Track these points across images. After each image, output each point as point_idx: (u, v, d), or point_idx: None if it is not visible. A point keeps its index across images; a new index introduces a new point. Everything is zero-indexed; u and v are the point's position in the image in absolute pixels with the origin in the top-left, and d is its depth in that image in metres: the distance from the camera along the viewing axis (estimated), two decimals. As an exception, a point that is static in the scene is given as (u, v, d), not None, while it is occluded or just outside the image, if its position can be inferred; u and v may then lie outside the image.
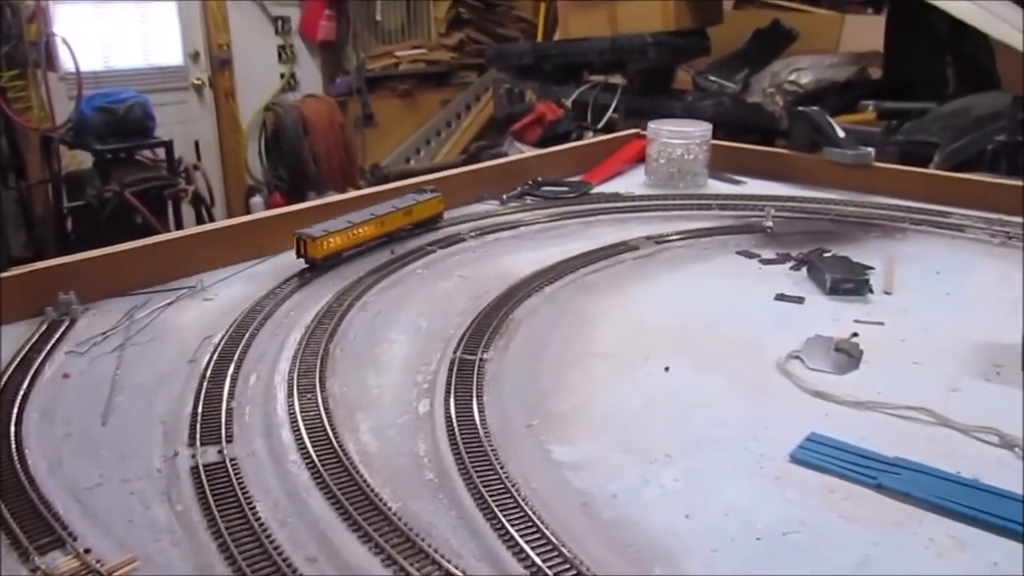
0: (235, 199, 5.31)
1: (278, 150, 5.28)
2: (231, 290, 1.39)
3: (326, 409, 1.01)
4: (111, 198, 3.79)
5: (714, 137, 2.12)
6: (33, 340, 1.18)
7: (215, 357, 1.13)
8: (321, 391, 1.05)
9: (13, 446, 0.93)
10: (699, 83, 3.73)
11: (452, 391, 1.05)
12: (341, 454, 0.92)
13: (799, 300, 1.36)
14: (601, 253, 1.54)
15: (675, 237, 1.64)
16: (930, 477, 0.88)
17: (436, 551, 0.77)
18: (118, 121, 3.94)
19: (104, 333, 1.22)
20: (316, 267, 1.46)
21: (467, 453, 0.92)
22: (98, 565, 0.75)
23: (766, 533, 0.81)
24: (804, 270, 1.47)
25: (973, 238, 1.65)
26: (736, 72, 3.67)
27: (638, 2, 3.68)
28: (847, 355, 1.15)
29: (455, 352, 1.16)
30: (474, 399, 1.03)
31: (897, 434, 0.98)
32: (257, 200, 5.33)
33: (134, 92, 4.12)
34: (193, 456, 0.92)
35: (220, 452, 0.92)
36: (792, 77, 3.56)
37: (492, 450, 0.93)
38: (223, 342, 1.17)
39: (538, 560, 0.76)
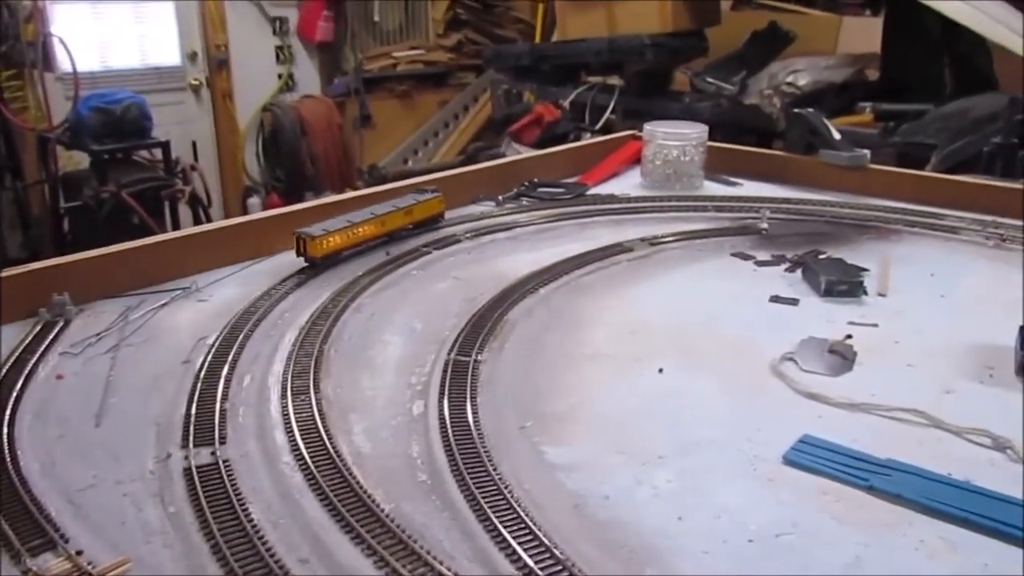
0: (232, 200, 5.31)
1: (276, 151, 5.28)
2: (226, 291, 1.39)
3: (320, 411, 1.01)
4: (108, 199, 3.79)
5: (712, 138, 2.12)
6: (27, 341, 1.18)
7: (209, 358, 1.13)
8: (315, 392, 1.05)
9: (6, 447, 0.93)
10: (697, 84, 3.74)
11: (446, 392, 1.05)
12: (334, 456, 0.92)
13: (793, 302, 1.36)
14: (596, 254, 1.55)
15: (670, 239, 1.65)
16: (922, 479, 0.89)
17: (429, 553, 0.77)
18: (115, 121, 3.94)
19: (98, 334, 1.22)
20: (315, 266, 1.47)
21: (460, 454, 0.92)
22: (90, 567, 0.75)
23: (758, 535, 0.82)
24: (799, 272, 1.47)
25: (967, 240, 1.66)
26: (734, 74, 3.67)
27: (635, 3, 3.68)
28: (841, 357, 1.15)
29: (449, 353, 1.16)
30: (468, 400, 1.03)
31: (890, 436, 0.98)
32: (255, 201, 5.33)
33: (131, 92, 4.12)
34: (186, 458, 0.92)
35: (213, 454, 0.92)
36: (789, 79, 3.56)
37: (485, 451, 0.93)
38: (217, 343, 1.17)
39: (530, 562, 0.76)
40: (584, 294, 1.40)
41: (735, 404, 1.06)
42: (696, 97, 3.64)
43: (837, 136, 2.01)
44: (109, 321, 1.26)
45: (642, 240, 1.63)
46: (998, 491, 0.86)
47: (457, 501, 0.85)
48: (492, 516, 0.82)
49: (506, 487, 0.86)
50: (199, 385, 1.06)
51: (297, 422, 0.98)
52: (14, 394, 1.04)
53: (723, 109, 3.48)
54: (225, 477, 0.88)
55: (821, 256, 1.52)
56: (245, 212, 5.04)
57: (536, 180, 1.98)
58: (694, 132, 2.03)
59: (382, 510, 0.83)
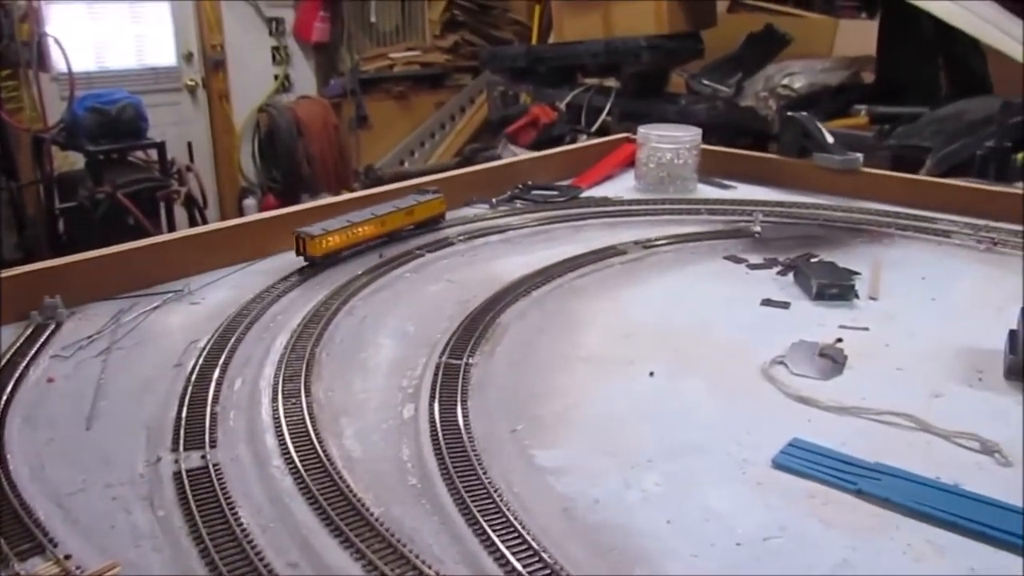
0: (228, 201, 5.31)
1: (272, 152, 5.28)
2: (218, 294, 1.39)
3: (310, 414, 1.01)
4: (103, 199, 3.79)
5: (708, 141, 2.12)
6: (18, 344, 1.18)
7: (200, 361, 1.13)
8: (306, 396, 1.05)
9: (-5, 451, 0.93)
10: (693, 87, 3.74)
11: (437, 396, 1.05)
12: (324, 459, 0.92)
13: (785, 305, 1.36)
14: (589, 257, 1.55)
15: (663, 242, 1.65)
16: (910, 482, 0.89)
17: (417, 556, 0.77)
18: (110, 122, 3.94)
19: (89, 337, 1.22)
20: (315, 265, 1.48)
21: (450, 458, 0.92)
22: (79, 571, 0.75)
23: (746, 538, 0.82)
24: (791, 275, 1.47)
25: (959, 244, 1.66)
26: (730, 76, 3.68)
27: (632, 4, 3.69)
28: (831, 360, 1.15)
29: (441, 356, 1.16)
30: (459, 404, 1.03)
31: (879, 439, 0.98)
32: (251, 202, 5.33)
33: (127, 93, 4.11)
34: (176, 461, 0.92)
35: (203, 457, 0.92)
36: (785, 81, 3.57)
37: (475, 455, 0.93)
38: (209, 346, 1.17)
39: (518, 565, 0.76)
40: (577, 297, 1.41)
41: (725, 407, 1.07)
42: (692, 99, 3.65)
43: (830, 139, 2.02)
44: (101, 324, 1.26)
45: (635, 243, 1.63)
46: (986, 495, 0.86)
47: (447, 505, 0.86)
48: (481, 520, 0.82)
49: (495, 490, 0.86)
50: (190, 388, 1.06)
51: (288, 425, 0.98)
52: (4, 397, 1.04)
53: (719, 111, 3.48)
54: (215, 481, 0.88)
55: (813, 259, 1.52)
56: (241, 213, 5.03)
57: (530, 182, 1.98)
58: (688, 135, 2.03)
59: (371, 514, 0.83)
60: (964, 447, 0.96)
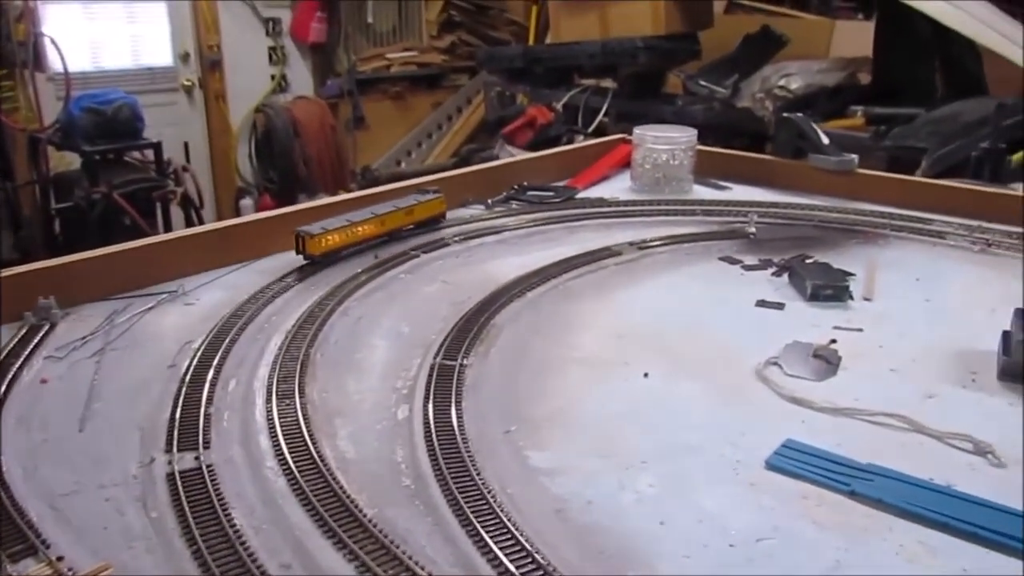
0: (225, 201, 5.30)
1: (268, 152, 5.28)
2: (213, 295, 1.39)
3: (304, 415, 1.01)
4: (99, 200, 3.78)
5: (704, 142, 2.13)
6: (11, 345, 1.18)
7: (195, 362, 1.13)
8: (300, 397, 1.05)
9: (-12, 452, 0.92)
10: (689, 87, 3.74)
11: (431, 397, 1.05)
12: (318, 460, 0.92)
13: (779, 306, 1.37)
14: (584, 258, 1.55)
15: (658, 243, 1.65)
16: (903, 483, 0.89)
17: (410, 558, 0.77)
18: (106, 122, 3.93)
19: (84, 338, 1.21)
20: (314, 263, 1.48)
21: (444, 459, 0.92)
22: (70, 573, 0.75)
23: (739, 539, 0.82)
24: (785, 276, 1.47)
25: (954, 245, 1.66)
26: (726, 77, 3.68)
27: (628, 4, 3.69)
28: (825, 361, 1.15)
29: (435, 357, 1.16)
30: (453, 405, 1.03)
31: (872, 440, 0.98)
32: (247, 202, 5.32)
33: (123, 93, 4.11)
34: (170, 462, 0.92)
35: (197, 458, 0.92)
36: (782, 82, 3.57)
37: (469, 456, 0.93)
38: (203, 347, 1.17)
39: (511, 566, 0.76)
40: (571, 298, 1.41)
41: (719, 408, 1.07)
42: (689, 100, 3.65)
43: (825, 140, 2.02)
44: (95, 325, 1.26)
45: (630, 244, 1.63)
46: (979, 496, 0.87)
47: (440, 506, 0.86)
48: (474, 521, 0.82)
49: (489, 492, 0.87)
50: (184, 389, 1.06)
51: (281, 427, 0.98)
52: (-2, 398, 1.04)
53: (716, 112, 3.49)
54: (208, 482, 0.88)
55: (807, 260, 1.52)
56: (238, 213, 5.03)
57: (526, 183, 1.98)
58: (683, 136, 2.04)
59: (365, 515, 0.83)
60: (957, 448, 0.96)
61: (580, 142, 3.28)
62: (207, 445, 0.95)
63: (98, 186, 3.80)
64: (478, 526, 0.81)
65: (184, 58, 5.00)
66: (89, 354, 1.17)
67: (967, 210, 1.79)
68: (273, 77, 5.46)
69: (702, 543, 0.81)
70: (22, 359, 1.14)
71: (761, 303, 1.38)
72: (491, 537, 0.80)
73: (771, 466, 0.93)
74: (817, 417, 1.03)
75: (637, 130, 2.07)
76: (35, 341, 1.19)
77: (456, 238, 1.68)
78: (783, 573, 0.78)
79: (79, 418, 1.01)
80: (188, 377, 1.09)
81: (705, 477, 0.92)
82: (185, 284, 1.41)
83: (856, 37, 3.96)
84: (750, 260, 1.57)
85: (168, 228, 4.00)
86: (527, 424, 1.02)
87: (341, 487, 0.87)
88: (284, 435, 0.96)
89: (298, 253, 1.48)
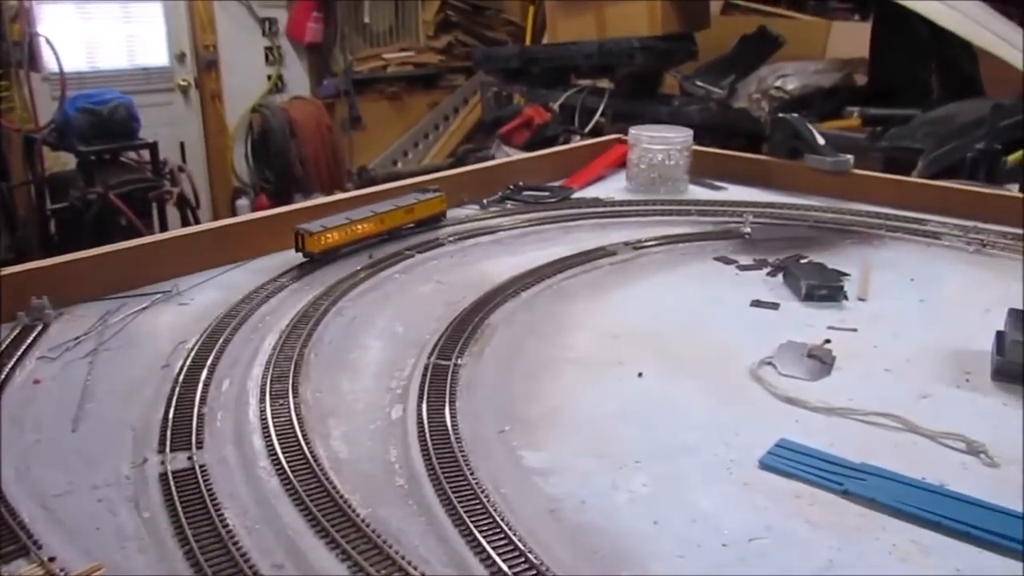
0: (221, 201, 5.29)
1: (265, 152, 5.27)
2: (207, 294, 1.39)
3: (298, 415, 1.01)
4: (95, 200, 3.78)
5: (701, 142, 2.13)
6: (4, 345, 1.17)
7: (188, 362, 1.13)
8: (294, 397, 1.05)
9: (-20, 452, 0.92)
10: (686, 88, 3.75)
11: (425, 397, 1.05)
12: (311, 460, 0.91)
13: (774, 306, 1.37)
14: (579, 258, 1.55)
15: (653, 243, 1.65)
16: (896, 483, 0.89)
17: (403, 558, 0.77)
18: (102, 122, 3.93)
19: (77, 338, 1.21)
20: (314, 261, 1.49)
21: (437, 459, 0.92)
22: (63, 573, 0.75)
23: (732, 539, 0.82)
24: (780, 276, 1.47)
25: (948, 245, 1.67)
26: (723, 77, 3.69)
27: (625, 5, 3.70)
28: (819, 361, 1.16)
29: (429, 357, 1.16)
30: (447, 405, 1.03)
31: (866, 440, 0.98)
32: (243, 202, 5.32)
33: (119, 93, 4.11)
34: (162, 463, 0.91)
35: (190, 458, 0.92)
36: (778, 83, 3.58)
37: (463, 456, 0.93)
38: (197, 347, 1.17)
39: (504, 566, 0.76)
40: (566, 298, 1.41)
41: (713, 408, 1.07)
42: (685, 100, 3.66)
43: (821, 141, 2.02)
44: (88, 325, 1.25)
45: (625, 244, 1.63)
46: (972, 495, 0.87)
47: (434, 506, 0.85)
48: (468, 521, 0.82)
49: (483, 491, 0.86)
50: (177, 389, 1.06)
51: (275, 427, 0.98)
52: (-10, 398, 1.04)
53: (712, 113, 3.49)
54: (201, 482, 0.87)
55: (802, 260, 1.53)
56: (234, 214, 5.02)
57: (521, 183, 1.98)
58: (679, 136, 2.04)
59: (358, 515, 0.83)
60: (950, 448, 0.96)
61: (574, 143, 3.28)
62: (200, 445, 0.95)
63: (94, 187, 3.80)
64: (471, 526, 0.81)
65: (180, 58, 5.00)
66: (82, 354, 1.17)
67: (962, 211, 1.79)
68: (269, 77, 5.45)
69: (696, 543, 0.81)
70: (15, 359, 1.14)
71: (756, 303, 1.38)
72: (484, 537, 0.80)
73: (765, 466, 0.93)
74: (811, 417, 1.03)
75: (633, 130, 2.07)
76: (28, 341, 1.19)
77: (451, 238, 1.67)
78: (776, 573, 0.78)
79: (72, 418, 1.01)
80: (181, 377, 1.09)
81: (699, 477, 0.92)
82: (179, 284, 1.41)
83: (852, 38, 3.97)
84: (745, 260, 1.57)
85: (164, 229, 4.00)
86: (521, 424, 1.01)
87: (334, 487, 0.87)
88: (277, 435, 0.96)
89: (298, 251, 1.48)
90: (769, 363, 1.15)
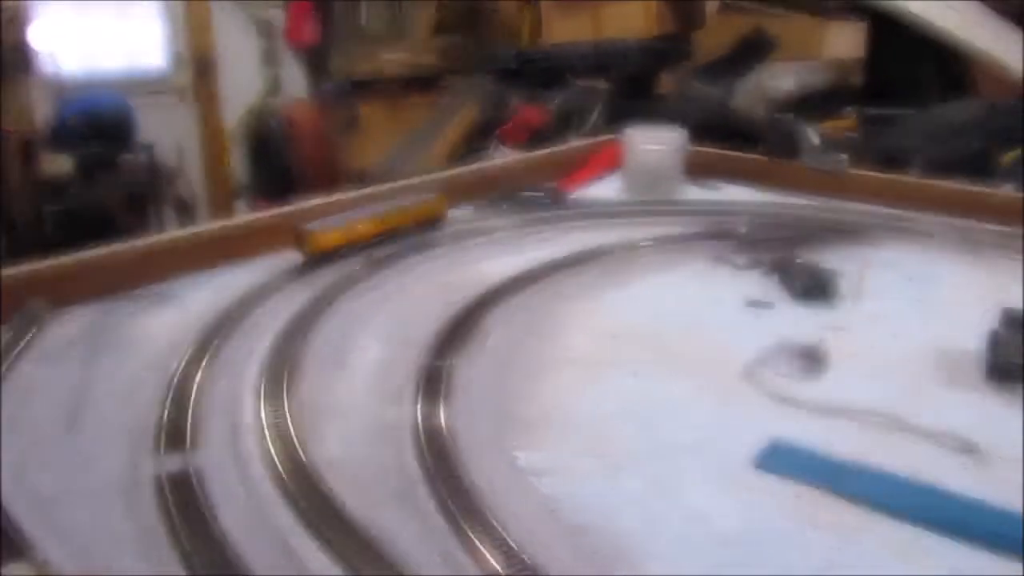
0: (218, 204, 5.29)
1: (262, 155, 5.26)
2: (204, 296, 1.38)
3: (293, 417, 1.01)
4: (92, 203, 3.77)
5: (698, 143, 2.13)
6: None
7: (183, 364, 1.13)
8: (289, 399, 1.05)
9: (-25, 455, 0.92)
10: (683, 88, 3.76)
11: (420, 398, 1.05)
12: (306, 462, 0.92)
13: (769, 306, 1.37)
14: (575, 259, 1.55)
15: (649, 243, 1.65)
16: (889, 482, 0.89)
17: (398, 560, 0.77)
18: (99, 125, 3.92)
19: (72, 341, 1.21)
20: (314, 261, 1.49)
21: (433, 460, 0.92)
22: (56, 576, 0.75)
23: (728, 539, 0.82)
24: (775, 276, 1.47)
25: (943, 245, 1.67)
26: (720, 78, 3.69)
27: (621, 4, 3.70)
28: (814, 361, 1.16)
29: (425, 359, 1.16)
30: (441, 406, 1.03)
31: (860, 439, 0.98)
32: (241, 205, 5.31)
33: (115, 95, 4.10)
34: (157, 465, 0.91)
35: (184, 461, 0.92)
36: (775, 83, 3.59)
37: (458, 457, 0.93)
38: (192, 349, 1.17)
39: (499, 568, 0.76)
40: (561, 299, 1.41)
41: (708, 408, 1.07)
42: (683, 101, 3.66)
43: (816, 141, 2.03)
44: (83, 328, 1.25)
45: (620, 245, 1.63)
46: (965, 494, 0.87)
47: (428, 507, 0.86)
48: (462, 522, 0.82)
49: (477, 492, 0.86)
50: (172, 392, 1.06)
51: (270, 429, 0.98)
52: (-15, 401, 1.03)
53: (709, 113, 3.49)
54: (195, 484, 0.88)
55: (798, 260, 1.52)
56: (232, 217, 5.01)
57: (517, 184, 1.98)
58: (673, 137, 2.04)
59: (353, 517, 0.83)
60: (943, 446, 0.96)
61: (570, 144, 3.28)
62: (195, 448, 0.95)
63: (91, 189, 3.79)
64: (466, 528, 0.81)
65: (177, 61, 4.99)
66: (77, 357, 1.17)
67: (958, 210, 1.79)
68: (267, 79, 5.45)
69: (691, 543, 0.82)
70: (10, 361, 1.14)
71: (751, 303, 1.38)
72: (479, 539, 0.80)
73: (760, 465, 0.93)
74: (805, 416, 1.04)
75: (628, 131, 2.08)
76: (23, 343, 1.19)
77: (448, 239, 1.67)
78: (773, 572, 0.78)
79: (67, 421, 1.01)
80: (176, 379, 1.09)
81: (694, 477, 0.92)
82: (176, 285, 1.41)
83: (850, 38, 3.97)
84: (740, 260, 1.57)
85: (161, 232, 3.99)
86: (517, 424, 1.02)
87: (329, 489, 0.87)
88: (272, 437, 0.96)
89: (298, 251, 1.49)
90: (764, 363, 1.15)
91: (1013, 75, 2.74)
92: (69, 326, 1.27)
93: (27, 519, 0.83)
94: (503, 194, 1.94)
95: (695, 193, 2.05)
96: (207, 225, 1.58)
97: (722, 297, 1.42)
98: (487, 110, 4.61)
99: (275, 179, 5.21)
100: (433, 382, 1.09)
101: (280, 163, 5.19)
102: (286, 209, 1.72)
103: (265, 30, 5.39)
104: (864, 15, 3.88)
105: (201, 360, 1.14)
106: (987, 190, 1.88)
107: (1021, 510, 0.83)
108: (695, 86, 3.68)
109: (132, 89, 4.60)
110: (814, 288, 1.38)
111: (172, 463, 0.91)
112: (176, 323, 1.28)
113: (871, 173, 2.03)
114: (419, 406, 1.03)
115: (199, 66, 5.05)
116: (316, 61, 5.64)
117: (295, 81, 5.59)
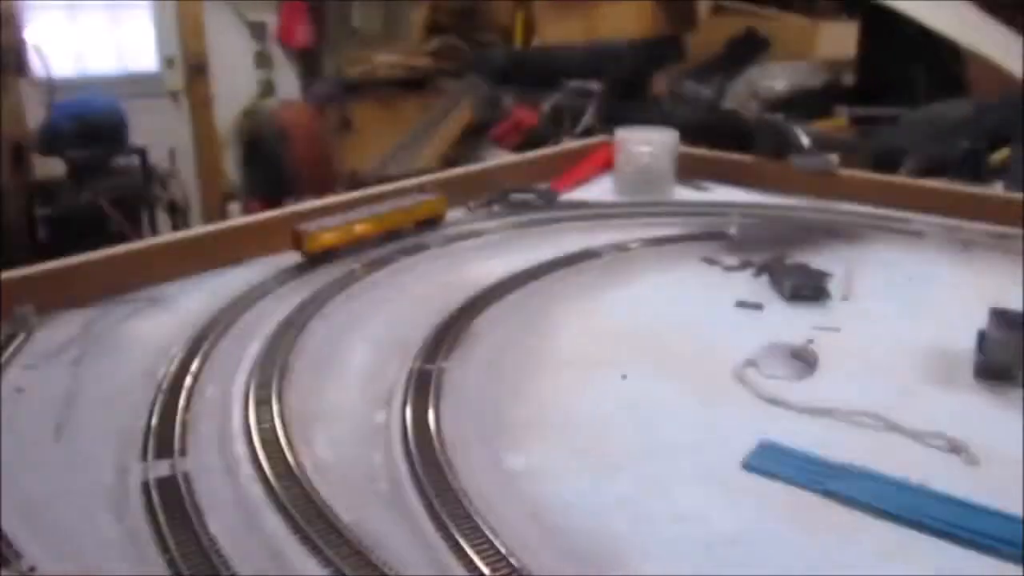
0: (212, 207, 5.27)
1: (255, 157, 5.26)
2: (194, 300, 1.38)
3: (282, 421, 1.00)
4: (85, 206, 3.76)
5: (691, 143, 2.13)
6: (-12, 353, 1.17)
7: (172, 369, 1.12)
8: (278, 403, 1.04)
9: (-38, 462, 0.92)
10: (675, 89, 3.76)
11: (409, 401, 1.05)
12: (295, 466, 0.91)
13: (759, 307, 1.37)
14: (566, 261, 1.55)
15: (640, 244, 1.65)
16: (878, 482, 0.89)
17: (386, 564, 0.77)
18: (92, 128, 3.91)
19: (61, 345, 1.21)
20: (312, 261, 1.50)
21: (421, 463, 0.92)
22: (42, 582, 0.75)
23: (716, 540, 0.82)
24: (765, 276, 1.48)
25: (933, 244, 1.67)
26: (712, 79, 3.70)
27: (613, 5, 3.70)
28: (803, 361, 1.16)
29: (414, 362, 1.16)
30: (430, 409, 1.03)
31: (849, 440, 0.99)
32: (234, 207, 5.30)
33: (108, 98, 4.09)
34: (145, 470, 0.91)
35: (172, 466, 0.92)
36: (767, 83, 3.60)
37: (446, 460, 0.93)
38: (181, 354, 1.17)
39: (486, 570, 0.76)
40: (552, 301, 1.41)
41: (697, 409, 1.07)
42: (675, 102, 3.66)
43: (806, 141, 2.03)
44: (73, 332, 1.25)
45: (612, 246, 1.63)
46: (953, 494, 0.87)
47: (417, 511, 0.86)
48: (450, 525, 0.82)
49: (465, 496, 0.86)
50: (161, 397, 1.06)
51: (259, 433, 0.98)
52: (-28, 407, 1.03)
53: (702, 114, 3.50)
54: (183, 489, 0.87)
55: (787, 261, 1.53)
56: (225, 219, 5.00)
57: (508, 186, 1.98)
58: (665, 138, 2.04)
59: (341, 521, 0.83)
60: (932, 447, 0.97)
61: (562, 145, 3.28)
62: (183, 453, 0.95)
63: (83, 193, 3.78)
64: (454, 531, 0.81)
65: (170, 63, 4.97)
66: (67, 362, 1.17)
67: (947, 209, 1.80)
68: (260, 82, 5.43)
69: (679, 544, 0.82)
70: (-2, 367, 1.13)
71: (741, 304, 1.38)
72: (467, 542, 0.80)
73: (748, 466, 0.93)
74: (794, 417, 1.04)
75: (619, 132, 2.08)
76: (11, 349, 1.19)
77: (440, 240, 1.67)
78: (761, 573, 0.78)
79: (55, 427, 1.01)
80: (165, 384, 1.08)
81: (683, 478, 0.92)
82: (166, 290, 1.41)
83: (841, 38, 3.98)
84: (730, 261, 1.57)
85: (154, 235, 3.98)
86: (505, 427, 1.02)
87: (317, 493, 0.87)
88: (261, 441, 0.96)
89: (296, 251, 1.49)
90: (753, 364, 1.15)
91: (1010, 74, 2.74)
92: (60, 330, 1.26)
93: (13, 525, 0.82)
94: (495, 195, 1.94)
95: (685, 194, 2.05)
96: (199, 229, 1.57)
97: (712, 298, 1.42)
98: (480, 111, 4.61)
99: (268, 181, 5.20)
100: (423, 385, 1.09)
101: (273, 165, 5.18)
102: (278, 212, 1.72)
103: (258, 32, 5.38)
104: (856, 15, 3.90)
105: (191, 364, 1.13)
106: (978, 190, 1.89)
107: (1011, 510, 0.84)
108: (687, 87, 3.69)
109: (124, 92, 4.59)
110: (803, 288, 1.38)
111: (160, 468, 0.91)
112: (168, 326, 1.28)
113: (861, 173, 2.04)
114: (408, 409, 1.03)
115: (192, 68, 5.04)
116: (309, 63, 5.64)
117: (288, 83, 5.58)
